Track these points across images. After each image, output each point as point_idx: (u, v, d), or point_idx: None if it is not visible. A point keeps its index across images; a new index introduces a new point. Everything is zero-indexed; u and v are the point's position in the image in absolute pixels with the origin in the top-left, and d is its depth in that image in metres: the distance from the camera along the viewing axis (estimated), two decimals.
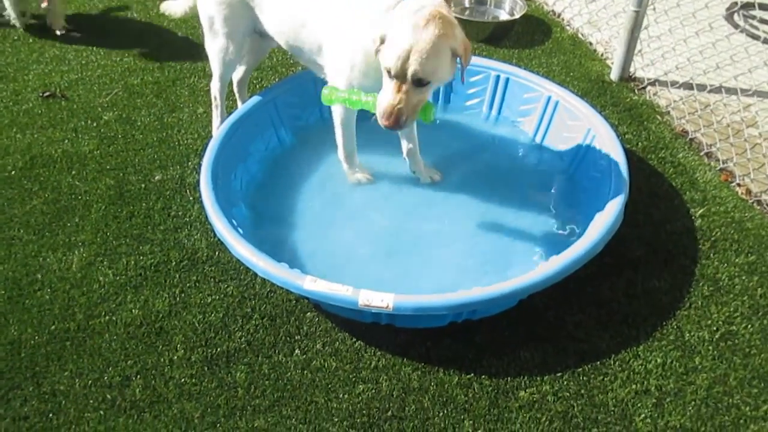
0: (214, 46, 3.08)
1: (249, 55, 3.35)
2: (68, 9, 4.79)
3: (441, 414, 2.22)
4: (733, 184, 3.17)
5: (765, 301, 2.59)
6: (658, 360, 2.38)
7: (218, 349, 2.43)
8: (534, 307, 2.53)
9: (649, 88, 3.87)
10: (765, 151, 3.24)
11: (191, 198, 3.08)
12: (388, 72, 2.34)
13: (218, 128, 3.17)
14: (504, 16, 4.63)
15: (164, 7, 3.54)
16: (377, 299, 2.19)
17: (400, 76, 2.32)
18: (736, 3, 4.14)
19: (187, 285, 2.67)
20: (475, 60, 3.51)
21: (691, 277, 2.69)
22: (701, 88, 3.71)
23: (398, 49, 2.29)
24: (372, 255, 2.76)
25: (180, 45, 4.39)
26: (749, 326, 2.50)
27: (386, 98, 2.36)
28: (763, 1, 4.12)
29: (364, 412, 2.23)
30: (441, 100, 3.59)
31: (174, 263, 2.77)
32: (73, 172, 3.27)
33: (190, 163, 3.30)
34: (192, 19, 4.52)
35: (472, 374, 2.33)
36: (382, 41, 2.35)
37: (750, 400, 2.25)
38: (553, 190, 3.06)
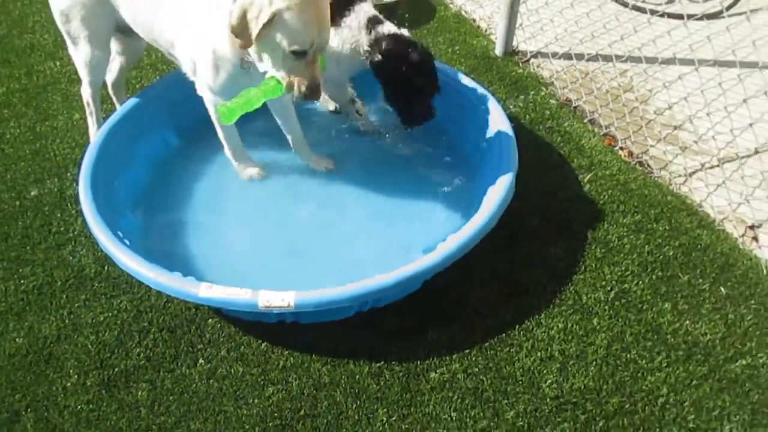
0: (77, 52, 2.88)
1: (121, 55, 3.16)
2: None
3: (354, 406, 2.20)
4: (616, 147, 3.32)
5: (652, 257, 2.72)
6: (560, 325, 2.46)
7: (115, 370, 2.29)
8: (438, 288, 2.55)
9: (532, 60, 3.98)
10: (642, 114, 3.41)
11: (73, 211, 2.89)
12: (295, 53, 2.23)
13: (95, 134, 2.97)
14: None
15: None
16: (278, 299, 2.13)
17: (311, 51, 2.25)
18: None
19: (76, 305, 2.51)
20: None
21: (584, 242, 2.80)
22: (580, 57, 3.85)
23: (307, 27, 2.19)
24: (271, 254, 2.69)
25: (49, 47, 4.09)
26: (640, 282, 2.62)
27: (306, 77, 2.28)
28: None
29: (276, 414, 2.18)
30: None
31: (59, 283, 2.59)
32: None
33: (69, 174, 3.09)
34: None
35: (383, 362, 2.32)
36: (265, 25, 2.17)
37: (645, 354, 2.37)
38: (444, 170, 3.08)
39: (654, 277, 2.65)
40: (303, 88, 2.30)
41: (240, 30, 2.20)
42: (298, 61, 2.27)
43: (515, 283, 2.62)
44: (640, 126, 3.40)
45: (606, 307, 2.53)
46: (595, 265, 2.70)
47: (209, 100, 2.70)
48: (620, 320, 2.48)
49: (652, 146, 3.31)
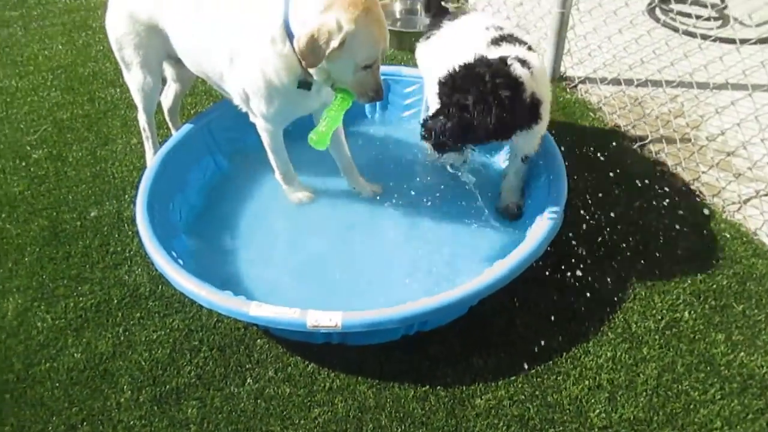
0: (131, 78, 3.01)
1: (176, 82, 3.29)
2: None
3: (399, 430, 2.20)
4: (668, 173, 3.26)
5: (705, 286, 2.66)
6: (608, 354, 2.42)
7: (167, 387, 2.36)
8: (484, 313, 2.54)
9: (580, 86, 3.97)
10: (694, 140, 3.35)
11: (130, 232, 3.00)
12: (360, 66, 2.39)
13: (152, 159, 3.09)
14: None
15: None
16: (325, 319, 2.17)
17: (376, 60, 2.40)
18: None
19: (131, 323, 2.59)
20: (409, 71, 3.54)
21: (633, 269, 2.75)
22: (629, 83, 3.82)
23: (375, 41, 2.35)
24: (319, 275, 2.73)
25: (110, 75, 4.28)
26: (692, 312, 2.56)
27: (372, 83, 2.47)
28: None
29: None
30: (378, 112, 3.60)
31: (116, 301, 2.68)
32: (3, 215, 3.15)
33: (126, 197, 3.22)
34: None
35: (428, 386, 2.33)
36: (327, 41, 2.28)
37: (698, 385, 2.30)
38: (491, 195, 3.08)
39: (707, 306, 2.58)
40: (371, 94, 2.49)
41: (309, 54, 2.32)
42: (365, 71, 2.42)
43: (563, 309, 2.59)
44: (691, 152, 3.35)
45: (656, 337, 2.48)
46: (645, 293, 2.65)
47: (262, 127, 2.79)
48: (671, 350, 2.43)
49: (704, 172, 3.24)
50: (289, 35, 2.40)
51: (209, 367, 2.42)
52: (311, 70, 2.44)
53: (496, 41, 2.67)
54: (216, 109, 3.33)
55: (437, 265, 2.74)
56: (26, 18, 5.10)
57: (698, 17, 4.16)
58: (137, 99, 3.08)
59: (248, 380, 2.37)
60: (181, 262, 2.47)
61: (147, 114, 3.15)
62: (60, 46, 4.66)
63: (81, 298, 2.70)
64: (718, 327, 2.50)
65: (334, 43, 2.29)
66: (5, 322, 2.61)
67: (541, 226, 2.52)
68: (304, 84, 2.54)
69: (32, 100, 4.05)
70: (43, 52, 4.61)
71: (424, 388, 2.32)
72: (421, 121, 2.56)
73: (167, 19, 2.77)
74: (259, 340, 2.51)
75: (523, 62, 2.50)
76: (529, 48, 2.66)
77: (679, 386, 2.30)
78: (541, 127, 2.66)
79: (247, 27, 2.52)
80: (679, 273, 2.72)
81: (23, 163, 3.50)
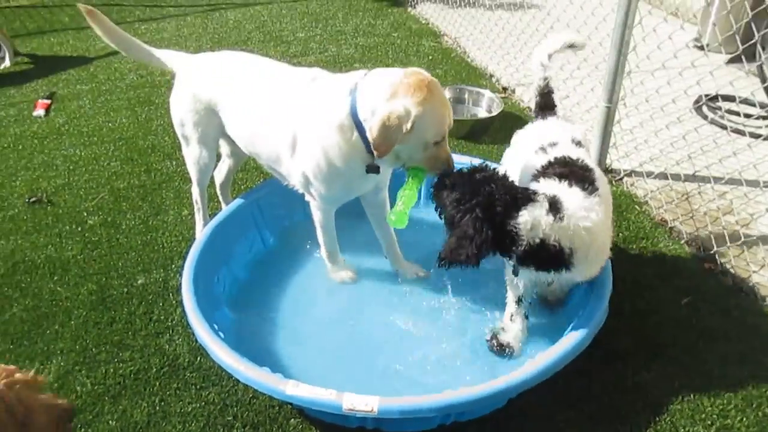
0: (188, 152, 3.14)
1: (230, 157, 3.42)
2: (60, 116, 4.93)
3: None
4: (717, 271, 3.19)
5: (757, 391, 2.54)
6: None
7: None
8: (523, 405, 2.46)
9: (626, 179, 3.97)
10: (744, 238, 3.29)
11: (174, 301, 3.05)
12: (431, 143, 2.49)
13: (201, 231, 3.18)
14: (482, 113, 4.80)
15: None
16: (361, 403, 2.14)
17: (444, 135, 2.50)
18: (702, 96, 4.32)
19: (167, 393, 2.60)
20: (456, 157, 3.59)
21: (681, 369, 2.66)
22: (676, 177, 3.81)
23: (442, 118, 2.46)
24: (357, 356, 2.71)
25: (167, 149, 4.48)
26: (744, 419, 2.44)
27: (443, 157, 2.56)
28: (726, 93, 4.30)
29: None
30: (423, 196, 3.64)
31: (154, 370, 2.70)
32: (56, 278, 3.25)
33: (173, 266, 3.29)
34: None
35: None
36: (400, 121, 2.37)
37: None
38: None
39: (760, 413, 2.46)
40: (443, 166, 2.56)
41: (382, 141, 2.42)
42: (435, 147, 2.52)
43: (605, 406, 2.50)
44: (742, 251, 3.28)
45: None
46: (694, 395, 2.54)
47: (317, 207, 2.88)
48: None
49: (755, 272, 3.16)
50: (356, 123, 2.51)
51: None
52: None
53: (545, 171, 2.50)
54: (265, 186, 3.44)
55: (478, 352, 2.70)
56: (95, 92, 5.42)
57: (747, 116, 4.17)
58: (192, 172, 3.21)
59: None
60: (221, 335, 2.49)
61: (200, 187, 3.27)
62: (124, 119, 4.91)
63: (121, 365, 2.73)
64: None
65: (406, 127, 2.38)
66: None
67: (585, 319, 2.48)
68: (373, 168, 2.63)
69: (93, 169, 4.25)
70: (108, 124, 4.87)
71: None
72: None
73: (224, 103, 2.92)
74: (292, 420, 2.47)
75: (554, 206, 2.28)
76: (586, 184, 2.39)
77: None
78: (573, 275, 2.44)
79: (314, 114, 2.62)
80: (730, 377, 2.61)
81: (79, 228, 3.63)
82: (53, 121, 4.93)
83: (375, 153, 2.46)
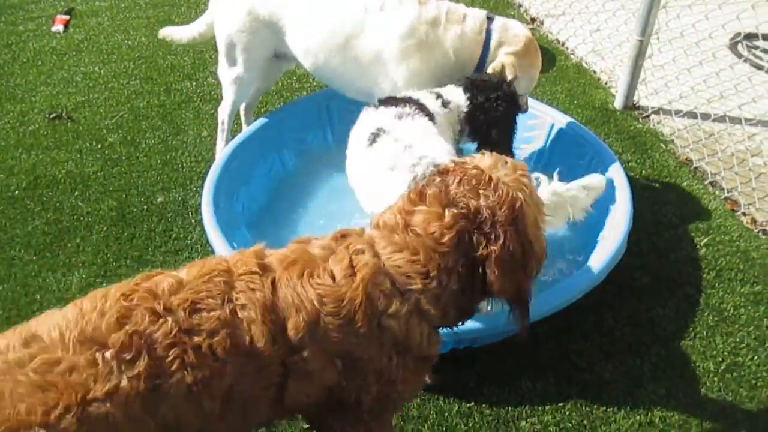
0: (231, 73, 3.06)
1: (262, 80, 3.33)
2: (78, 33, 4.87)
3: None
4: (738, 213, 3.15)
5: None
6: (662, 391, 2.33)
7: None
8: (536, 336, 2.49)
9: (653, 116, 3.87)
10: None
11: (193, 220, 3.08)
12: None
13: (221, 151, 3.17)
14: None
15: (165, 33, 3.47)
16: None
17: None
18: (740, 33, 4.15)
19: None
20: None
21: (695, 307, 2.66)
22: (705, 117, 3.71)
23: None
24: None
25: (187, 68, 4.42)
26: (755, 357, 2.46)
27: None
28: (766, 32, 4.13)
29: None
30: None
31: None
32: (76, 193, 3.28)
33: (192, 186, 3.30)
34: (199, 43, 4.58)
35: (473, 403, 2.29)
36: None
37: None
38: None
39: None
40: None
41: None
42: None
43: (618, 340, 2.52)
44: (767, 193, 3.22)
45: (715, 379, 2.38)
46: (707, 333, 2.55)
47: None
48: (730, 394, 2.33)
49: None
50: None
51: None
52: None
53: None
54: (287, 107, 3.40)
55: None
56: (114, 9, 5.32)
57: None
58: (228, 92, 3.13)
59: None
60: None
61: (233, 107, 3.20)
62: (143, 38, 4.84)
63: None
64: None
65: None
66: (69, 294, 2.70)
67: (602, 253, 2.47)
68: None
69: (113, 87, 4.22)
70: (127, 42, 4.80)
71: (468, 404, 2.29)
72: None
73: (293, 17, 2.86)
74: None
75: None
76: None
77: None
78: None
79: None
80: (744, 316, 2.61)
81: (99, 146, 3.64)
82: (72, 38, 4.86)
83: None
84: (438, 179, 1.56)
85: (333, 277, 1.47)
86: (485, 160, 1.60)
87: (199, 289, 1.41)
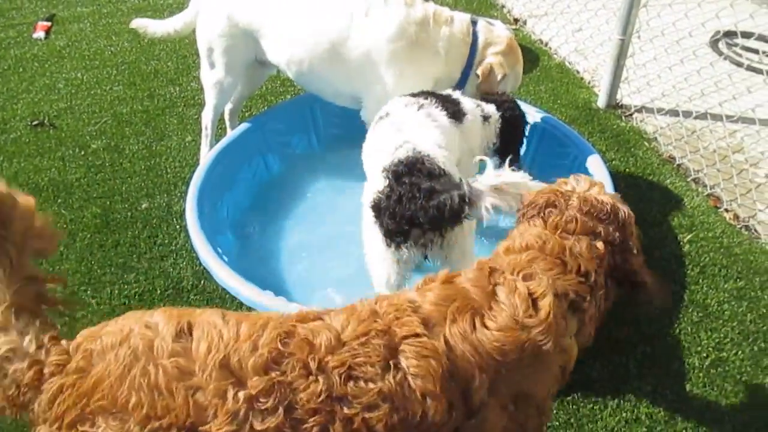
0: (211, 76, 3.06)
1: (245, 85, 3.33)
2: (60, 39, 4.83)
3: None
4: (721, 209, 3.18)
5: (755, 327, 2.57)
6: (648, 387, 2.35)
7: None
8: None
9: (635, 114, 3.90)
10: (752, 176, 3.26)
11: (178, 226, 3.06)
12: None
13: (206, 156, 3.16)
14: None
15: (139, 24, 3.38)
16: None
17: None
18: (720, 31, 4.20)
19: None
20: None
21: (680, 303, 2.68)
22: (687, 114, 3.74)
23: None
24: (359, 277, 2.73)
25: (170, 74, 4.40)
26: (739, 352, 2.48)
27: None
28: (745, 29, 4.18)
29: None
30: None
31: (159, 292, 2.74)
32: (59, 201, 3.25)
33: (177, 191, 3.29)
34: (182, 47, 4.58)
35: None
36: None
37: (741, 428, 2.22)
38: None
39: (756, 348, 2.49)
40: None
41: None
42: None
43: (604, 338, 2.50)
44: (748, 189, 3.25)
45: (700, 375, 2.40)
46: (691, 329, 2.57)
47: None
48: (716, 389, 2.35)
49: (760, 211, 3.15)
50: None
51: None
52: None
53: None
54: (272, 111, 3.39)
55: None
56: (96, 15, 5.29)
57: (765, 53, 4.06)
58: (210, 96, 3.13)
59: None
60: (225, 258, 2.51)
61: (215, 112, 3.20)
62: (126, 44, 4.81)
63: (126, 286, 2.76)
64: (766, 370, 2.40)
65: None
66: None
67: None
68: None
69: (95, 93, 4.19)
70: (110, 48, 4.77)
71: None
72: None
73: (269, 26, 2.87)
74: None
75: None
76: None
77: (721, 427, 2.22)
78: None
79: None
80: (727, 311, 2.64)
81: (82, 152, 3.61)
82: (54, 44, 4.83)
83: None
84: (557, 210, 1.62)
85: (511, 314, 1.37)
86: (583, 184, 1.71)
87: (356, 353, 1.26)
